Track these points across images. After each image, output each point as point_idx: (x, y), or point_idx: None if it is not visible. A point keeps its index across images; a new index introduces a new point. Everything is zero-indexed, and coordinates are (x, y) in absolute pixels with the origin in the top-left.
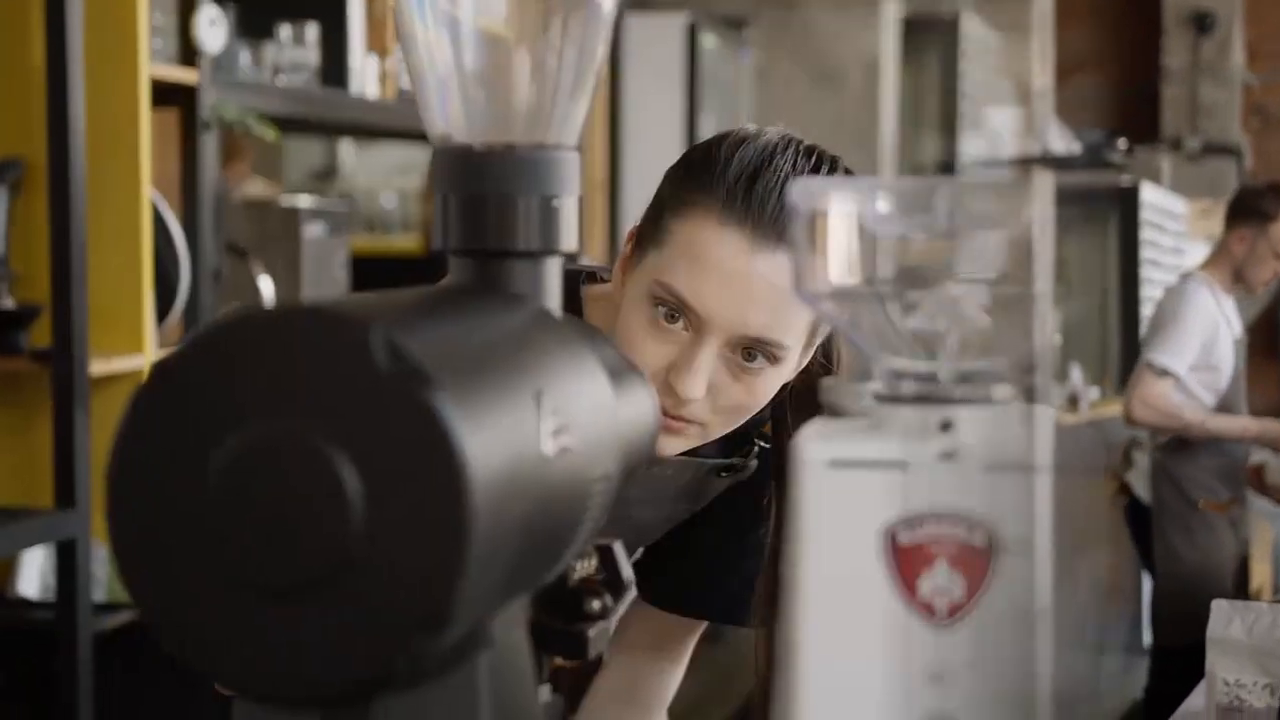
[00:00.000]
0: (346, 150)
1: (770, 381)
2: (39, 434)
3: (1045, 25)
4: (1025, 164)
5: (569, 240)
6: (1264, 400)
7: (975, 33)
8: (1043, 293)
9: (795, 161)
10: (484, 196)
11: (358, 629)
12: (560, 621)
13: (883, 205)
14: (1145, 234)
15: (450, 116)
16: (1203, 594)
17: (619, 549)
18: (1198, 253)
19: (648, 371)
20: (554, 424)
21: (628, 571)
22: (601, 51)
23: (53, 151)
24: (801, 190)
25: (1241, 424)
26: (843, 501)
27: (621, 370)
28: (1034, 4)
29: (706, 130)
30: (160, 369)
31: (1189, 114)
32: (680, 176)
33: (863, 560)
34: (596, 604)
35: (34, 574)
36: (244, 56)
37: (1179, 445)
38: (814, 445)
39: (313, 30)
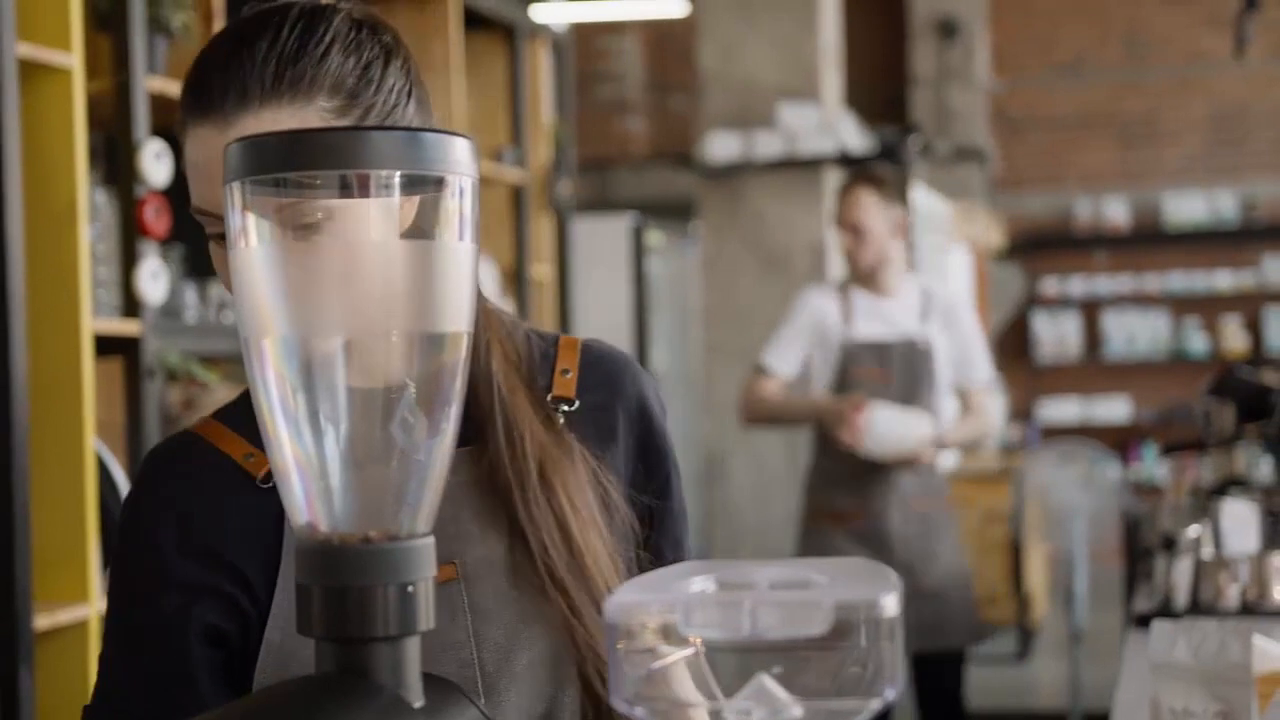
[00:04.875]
0: None
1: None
2: None
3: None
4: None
5: (426, 619)
6: (1015, 402)
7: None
8: None
9: (242, 27)
10: (344, 588)
11: None
12: None
13: (692, 616)
14: (916, 236)
15: (312, 508)
16: None
17: None
18: (959, 253)
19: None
20: None
21: None
22: (450, 442)
23: None
24: (615, 606)
25: (809, 402)
26: None
27: None
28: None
29: (656, 323)
30: None
31: (937, 118)
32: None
33: None
34: None
35: None
36: (190, 295)
37: (814, 457)
38: None
39: None
